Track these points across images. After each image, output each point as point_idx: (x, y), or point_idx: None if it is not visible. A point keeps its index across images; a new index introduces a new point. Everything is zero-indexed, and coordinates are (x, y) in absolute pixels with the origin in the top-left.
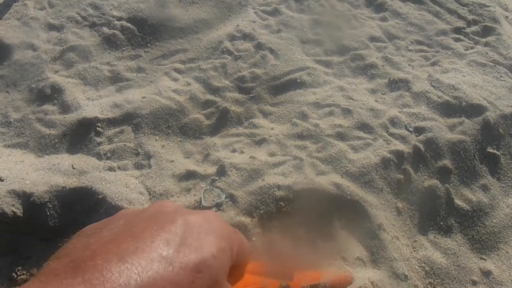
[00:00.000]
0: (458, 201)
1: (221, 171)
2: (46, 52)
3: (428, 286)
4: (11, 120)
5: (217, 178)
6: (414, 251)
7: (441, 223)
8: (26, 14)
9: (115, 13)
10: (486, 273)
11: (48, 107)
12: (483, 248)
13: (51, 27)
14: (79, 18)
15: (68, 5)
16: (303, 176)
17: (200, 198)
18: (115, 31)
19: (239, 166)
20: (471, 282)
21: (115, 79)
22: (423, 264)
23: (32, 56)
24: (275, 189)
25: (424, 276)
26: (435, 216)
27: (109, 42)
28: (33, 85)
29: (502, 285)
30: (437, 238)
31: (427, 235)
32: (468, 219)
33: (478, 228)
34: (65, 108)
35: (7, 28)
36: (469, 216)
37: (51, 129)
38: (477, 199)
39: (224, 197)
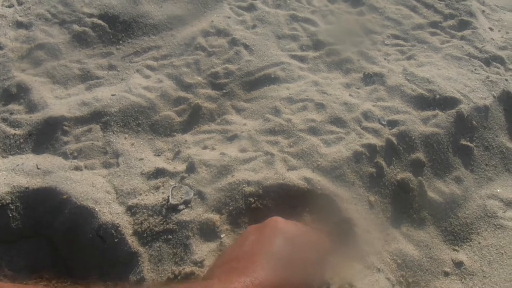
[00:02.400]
0: (431, 193)
1: (191, 168)
2: (13, 51)
3: (400, 278)
4: None
5: (186, 175)
6: (386, 244)
7: (414, 215)
8: None
9: (86, 9)
10: (458, 264)
11: (13, 106)
12: (456, 239)
13: (19, 24)
14: (48, 15)
15: (38, 2)
16: (273, 172)
17: (168, 196)
18: (85, 28)
19: (208, 162)
20: (443, 273)
21: (85, 77)
22: (395, 257)
23: None
24: (244, 185)
25: (396, 268)
26: (408, 209)
27: (80, 40)
28: None
29: (473, 275)
30: (410, 230)
31: (400, 228)
32: (441, 211)
33: (451, 219)
34: (32, 107)
35: None
36: (442, 208)
37: (16, 129)
38: (450, 191)
39: (192, 194)
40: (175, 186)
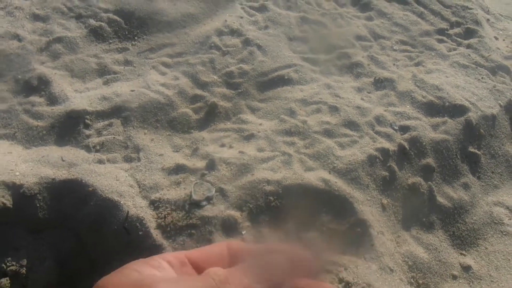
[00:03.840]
0: (440, 199)
1: (211, 166)
2: (32, 43)
3: (411, 280)
4: None
5: (206, 172)
6: (398, 246)
7: (424, 219)
8: (10, 3)
9: (102, 5)
10: (466, 268)
11: (35, 98)
12: (463, 244)
13: (36, 17)
14: (65, 9)
15: None
16: (291, 172)
17: (191, 192)
18: (101, 23)
19: (228, 160)
20: (451, 276)
21: (102, 71)
22: (406, 259)
23: (18, 47)
24: (264, 184)
25: (408, 270)
26: (418, 212)
27: (96, 34)
28: (19, 76)
29: (481, 279)
30: (420, 233)
31: (410, 231)
32: (449, 216)
33: (458, 224)
34: (53, 100)
35: None
36: (450, 213)
37: (38, 120)
38: (458, 197)
39: (214, 191)
40: (197, 183)
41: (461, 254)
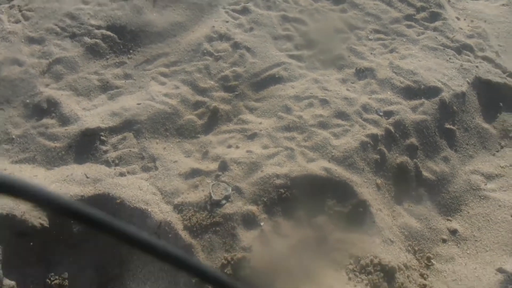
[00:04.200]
0: (425, 173)
1: (223, 167)
2: (33, 67)
3: (409, 247)
4: (13, 136)
5: (220, 173)
6: (394, 219)
7: (413, 193)
8: (2, 29)
9: (93, 22)
10: (453, 232)
11: (47, 120)
12: (449, 211)
13: (31, 40)
14: (58, 29)
15: (43, 16)
16: (296, 164)
17: (210, 193)
18: (96, 40)
19: (239, 160)
20: (441, 240)
21: (105, 87)
22: (402, 230)
23: (20, 72)
24: (274, 178)
25: (404, 239)
26: (407, 187)
27: (93, 52)
28: (27, 100)
29: (466, 240)
30: (411, 206)
31: (403, 205)
32: (434, 188)
33: (443, 194)
34: (64, 120)
35: None
36: (435, 185)
37: (55, 142)
38: (440, 170)
39: (230, 189)
40: (214, 184)
41: (448, 220)
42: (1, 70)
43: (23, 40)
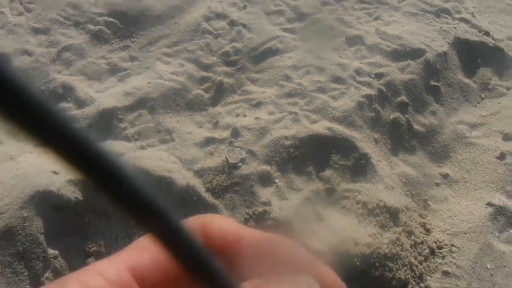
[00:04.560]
0: (416, 126)
1: (235, 133)
2: (43, 55)
3: (407, 192)
4: None
5: (233, 139)
6: (392, 169)
7: (406, 145)
8: (7, 22)
9: (95, 9)
10: (445, 176)
11: (64, 104)
12: (439, 158)
13: (37, 31)
14: (61, 19)
15: (45, 8)
16: (302, 126)
17: (226, 157)
18: (100, 26)
19: (249, 127)
20: (435, 184)
21: (114, 70)
22: (400, 177)
23: (31, 61)
24: (283, 140)
25: (403, 186)
26: (401, 140)
27: (98, 38)
28: (42, 87)
29: (457, 182)
30: (406, 156)
31: (398, 156)
32: (425, 139)
33: (433, 144)
34: (80, 103)
35: None
36: (425, 137)
37: (75, 123)
38: (429, 123)
39: (244, 153)
40: (229, 149)
41: (439, 166)
42: (13, 60)
43: (29, 32)
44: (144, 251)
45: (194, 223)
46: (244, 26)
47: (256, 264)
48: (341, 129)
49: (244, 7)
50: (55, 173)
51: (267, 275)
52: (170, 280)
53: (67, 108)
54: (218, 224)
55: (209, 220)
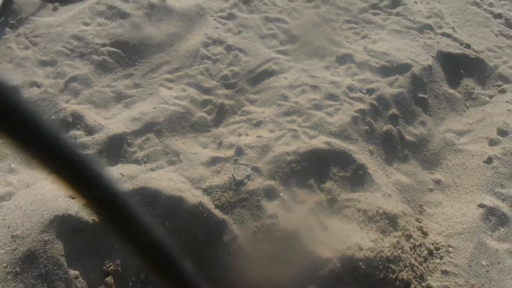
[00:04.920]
0: (407, 137)
1: (239, 152)
2: (51, 86)
3: (403, 199)
4: None
5: (237, 157)
6: (388, 177)
7: (400, 154)
8: (15, 56)
9: (98, 40)
10: (437, 182)
11: (74, 132)
12: (431, 165)
13: (43, 63)
14: (67, 51)
15: (50, 40)
16: (301, 142)
17: (232, 175)
18: (104, 56)
19: (251, 145)
20: (429, 190)
21: (119, 97)
22: (396, 185)
23: (40, 92)
24: (285, 156)
25: (399, 193)
26: (394, 150)
27: (102, 67)
28: (53, 117)
29: (449, 187)
30: (399, 165)
31: (393, 165)
32: (417, 148)
33: (424, 152)
34: (90, 130)
35: (4, 71)
36: (416, 146)
37: (86, 149)
38: (419, 133)
39: (250, 170)
40: (234, 167)
41: (431, 173)
42: (23, 92)
43: (36, 64)
44: None
45: None
46: (240, 50)
47: None
48: (338, 143)
49: (239, 32)
50: (72, 197)
51: None
52: None
53: (78, 135)
54: None
55: None
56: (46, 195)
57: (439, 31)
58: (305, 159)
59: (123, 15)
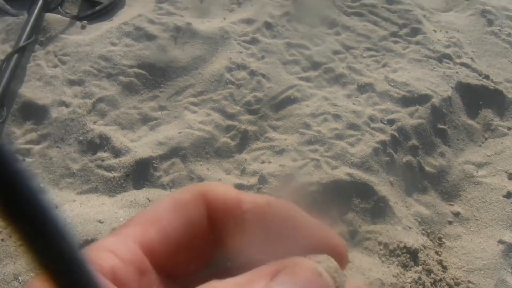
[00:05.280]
0: (427, 168)
1: (262, 180)
2: (80, 107)
3: (423, 231)
4: (74, 171)
5: (261, 186)
6: (408, 209)
7: (419, 185)
8: (44, 74)
9: (125, 61)
10: (456, 214)
11: (101, 154)
12: (450, 197)
13: (72, 82)
14: (95, 71)
15: (78, 60)
16: (324, 172)
17: None
18: (131, 78)
19: (275, 174)
20: (448, 222)
21: (145, 119)
22: (416, 217)
23: (69, 112)
24: (308, 186)
25: (419, 225)
26: (414, 181)
27: (129, 89)
28: (80, 138)
29: (469, 220)
30: (419, 197)
31: (412, 196)
32: (436, 179)
33: (443, 184)
34: (117, 152)
35: (34, 89)
36: (436, 177)
37: (112, 172)
38: (439, 164)
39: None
40: None
41: (450, 204)
42: (51, 112)
43: (64, 83)
44: (150, 225)
45: (193, 190)
46: (263, 76)
47: (260, 238)
48: (360, 174)
49: (262, 57)
50: (100, 222)
51: (274, 253)
52: (179, 253)
53: (105, 157)
54: (219, 191)
55: (209, 187)
56: (75, 218)
57: (458, 61)
58: (327, 190)
59: (150, 37)
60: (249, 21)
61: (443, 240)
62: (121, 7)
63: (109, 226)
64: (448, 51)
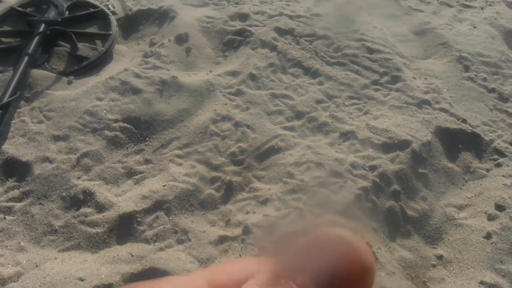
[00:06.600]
0: (409, 212)
1: (247, 231)
2: (63, 162)
3: (407, 276)
4: (56, 227)
5: (245, 237)
6: (391, 254)
7: (402, 230)
8: (28, 130)
9: (110, 116)
10: (440, 257)
11: (85, 210)
12: (433, 240)
13: (56, 138)
14: (80, 126)
15: (63, 115)
16: (307, 222)
17: (240, 255)
18: (116, 132)
19: (259, 224)
20: (431, 265)
21: (130, 173)
22: (400, 262)
23: (52, 168)
24: (291, 235)
25: (402, 270)
26: (397, 226)
27: (114, 143)
28: (64, 194)
29: (452, 262)
30: (402, 241)
31: (396, 241)
32: (419, 223)
33: (426, 227)
34: (101, 207)
35: (17, 146)
36: (418, 221)
37: (96, 228)
38: (421, 208)
39: (257, 250)
40: (242, 247)
41: (434, 248)
42: (35, 168)
43: (49, 139)
44: (219, 270)
45: (199, 277)
46: (248, 126)
47: None
48: (342, 222)
49: (247, 108)
50: (81, 279)
51: None
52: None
53: (88, 213)
54: (224, 275)
55: (214, 271)
56: (56, 276)
57: (436, 106)
58: None
59: (136, 91)
60: (234, 73)
61: (427, 284)
62: (108, 62)
63: (90, 283)
64: (427, 97)
